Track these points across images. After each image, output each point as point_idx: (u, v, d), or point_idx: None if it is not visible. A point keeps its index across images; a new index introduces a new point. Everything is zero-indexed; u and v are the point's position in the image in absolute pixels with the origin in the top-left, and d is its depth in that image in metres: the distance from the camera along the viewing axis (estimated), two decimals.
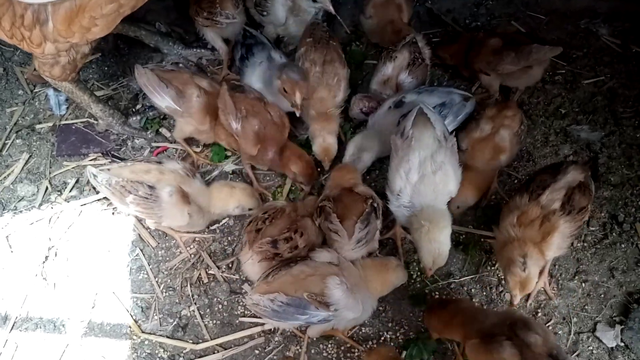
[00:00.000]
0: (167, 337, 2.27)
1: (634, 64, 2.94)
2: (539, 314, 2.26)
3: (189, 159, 2.70)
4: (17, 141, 2.84)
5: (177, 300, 2.35)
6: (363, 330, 2.26)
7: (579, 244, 2.42)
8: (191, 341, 2.26)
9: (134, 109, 2.87)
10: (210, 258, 2.44)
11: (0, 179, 2.72)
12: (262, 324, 2.25)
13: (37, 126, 2.88)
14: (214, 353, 2.22)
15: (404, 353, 2.17)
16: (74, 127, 2.84)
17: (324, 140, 2.52)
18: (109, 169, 2.31)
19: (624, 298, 2.29)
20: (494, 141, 2.40)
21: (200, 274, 2.40)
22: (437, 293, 2.34)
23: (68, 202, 2.62)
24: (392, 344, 2.23)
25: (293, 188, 2.62)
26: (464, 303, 2.06)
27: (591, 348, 2.20)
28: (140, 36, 2.96)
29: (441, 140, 2.13)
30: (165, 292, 2.38)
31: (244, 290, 2.35)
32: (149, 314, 2.33)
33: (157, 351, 2.24)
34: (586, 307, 2.28)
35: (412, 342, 2.18)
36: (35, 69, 2.46)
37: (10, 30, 2.12)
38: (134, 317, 2.32)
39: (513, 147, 2.44)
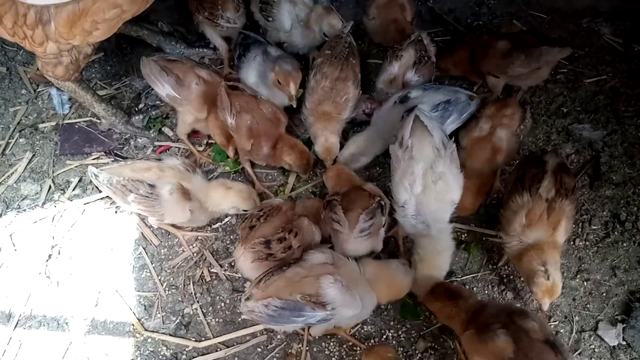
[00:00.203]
0: (170, 335, 2.28)
1: (636, 63, 2.94)
2: (540, 314, 2.26)
3: (191, 157, 2.71)
4: (21, 140, 2.85)
5: (179, 299, 2.36)
6: (365, 329, 2.27)
7: (580, 243, 2.42)
8: (194, 339, 2.27)
9: (136, 108, 2.88)
10: (213, 256, 2.45)
11: (3, 177, 2.73)
12: None
13: (41, 125, 2.89)
14: (216, 351, 2.23)
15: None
16: (77, 126, 2.86)
17: (326, 140, 2.52)
18: (109, 168, 2.32)
19: (626, 297, 2.29)
20: (492, 141, 2.39)
21: (202, 273, 2.41)
22: None
23: (71, 200, 2.64)
24: (394, 342, 2.23)
25: (295, 186, 2.63)
26: (470, 300, 2.01)
27: (593, 347, 2.20)
28: (142, 36, 2.97)
29: (440, 148, 2.07)
30: (168, 290, 2.39)
31: (246, 289, 2.36)
32: (152, 312, 2.34)
33: (159, 349, 2.25)
34: (588, 305, 2.29)
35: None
36: (38, 69, 2.47)
37: (13, 28, 2.13)
38: (137, 315, 2.33)
39: (511, 146, 2.43)
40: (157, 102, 2.89)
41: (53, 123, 2.89)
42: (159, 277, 2.42)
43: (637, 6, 3.10)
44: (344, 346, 2.23)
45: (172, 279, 2.42)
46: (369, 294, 2.06)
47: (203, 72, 2.57)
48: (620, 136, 2.70)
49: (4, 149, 2.82)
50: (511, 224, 2.15)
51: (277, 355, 2.22)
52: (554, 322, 2.24)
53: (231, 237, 2.51)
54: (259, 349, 2.24)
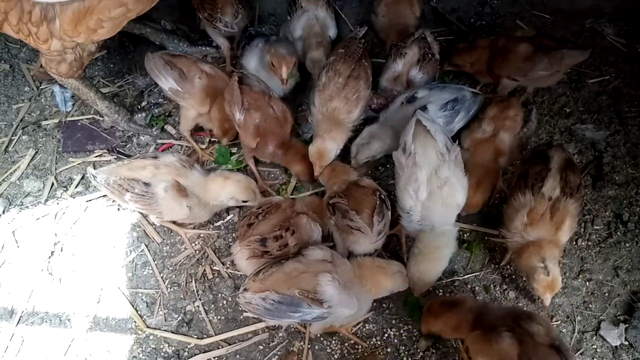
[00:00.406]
0: (172, 332, 2.28)
1: (639, 64, 2.94)
2: (543, 312, 2.26)
3: (194, 155, 2.71)
4: (24, 137, 2.86)
5: (181, 296, 2.37)
6: (367, 327, 2.27)
7: (583, 243, 2.42)
8: (196, 336, 2.27)
9: (139, 106, 2.89)
10: (215, 254, 2.45)
11: (6, 174, 2.73)
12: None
13: (43, 123, 2.90)
14: (218, 348, 2.23)
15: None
16: (79, 124, 2.86)
17: (323, 142, 2.37)
18: (107, 169, 2.33)
19: (628, 297, 2.29)
20: (495, 143, 2.39)
21: (204, 270, 2.41)
22: (440, 291, 2.34)
23: (74, 197, 2.64)
24: (395, 340, 2.23)
25: (298, 185, 2.63)
26: (469, 302, 2.01)
27: (595, 347, 2.20)
28: (145, 34, 2.98)
29: (443, 152, 2.06)
30: (170, 288, 2.39)
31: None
32: (154, 309, 2.34)
33: (161, 346, 2.25)
34: (590, 305, 2.28)
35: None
36: (41, 66, 2.48)
37: (17, 25, 2.13)
38: (139, 312, 2.33)
39: (513, 148, 2.43)
40: (160, 100, 2.90)
41: (56, 120, 2.89)
42: (161, 275, 2.42)
43: None
44: (346, 344, 2.23)
45: (174, 276, 2.42)
46: (364, 295, 2.05)
47: (206, 66, 2.59)
48: (623, 136, 2.70)
49: (7, 146, 2.82)
50: (513, 221, 2.15)
51: (278, 352, 2.22)
52: (556, 322, 2.24)
53: (233, 234, 2.51)
54: (261, 347, 2.24)
